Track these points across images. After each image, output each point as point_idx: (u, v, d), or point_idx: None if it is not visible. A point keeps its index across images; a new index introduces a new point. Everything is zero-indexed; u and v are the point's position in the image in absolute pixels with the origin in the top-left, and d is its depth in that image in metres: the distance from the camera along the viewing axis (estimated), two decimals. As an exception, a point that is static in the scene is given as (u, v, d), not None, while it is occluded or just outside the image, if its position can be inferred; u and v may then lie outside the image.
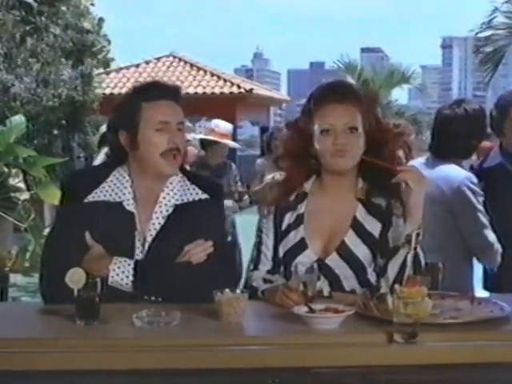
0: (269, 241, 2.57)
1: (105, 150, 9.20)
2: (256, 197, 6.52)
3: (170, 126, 2.47)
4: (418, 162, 3.55)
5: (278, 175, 2.62)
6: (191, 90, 16.87)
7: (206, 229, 2.48)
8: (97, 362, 1.99)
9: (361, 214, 2.50)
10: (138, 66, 18.26)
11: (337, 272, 2.47)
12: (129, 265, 2.42)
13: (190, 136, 9.95)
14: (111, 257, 2.43)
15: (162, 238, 2.48)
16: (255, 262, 2.60)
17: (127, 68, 17.90)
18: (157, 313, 2.13)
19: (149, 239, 2.48)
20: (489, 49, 15.90)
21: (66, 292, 2.17)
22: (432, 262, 2.91)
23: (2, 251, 5.75)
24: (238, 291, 2.23)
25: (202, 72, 17.83)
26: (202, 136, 6.82)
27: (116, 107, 2.57)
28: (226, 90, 17.01)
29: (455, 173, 3.37)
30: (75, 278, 2.18)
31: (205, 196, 2.54)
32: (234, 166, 6.95)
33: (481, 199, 3.35)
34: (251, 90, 17.28)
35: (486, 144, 3.95)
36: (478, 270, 3.59)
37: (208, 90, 16.98)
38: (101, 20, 10.73)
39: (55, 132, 9.77)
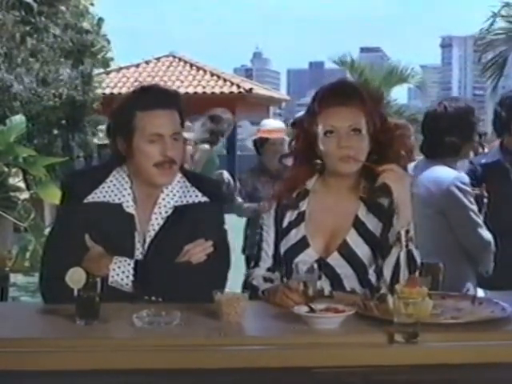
0: (269, 238, 2.57)
1: None
2: None
3: (164, 138, 2.43)
4: (413, 164, 3.55)
5: None
6: (191, 90, 16.87)
7: (205, 231, 2.48)
8: (97, 362, 1.99)
9: (363, 212, 2.50)
10: (138, 65, 18.26)
11: (338, 271, 2.47)
12: (129, 265, 2.42)
13: (187, 135, 9.89)
14: (111, 257, 2.43)
15: (161, 239, 2.48)
16: (256, 259, 2.59)
17: (127, 68, 17.89)
18: (157, 313, 2.13)
19: (148, 240, 2.48)
20: (490, 55, 15.88)
21: (66, 292, 2.17)
22: (432, 262, 2.91)
23: (2, 251, 5.75)
24: (237, 291, 2.23)
25: (201, 72, 17.83)
26: (254, 137, 6.23)
27: (113, 112, 2.55)
28: (226, 90, 17.01)
29: (444, 174, 3.37)
30: (75, 277, 2.18)
31: (205, 199, 2.53)
32: None
33: (472, 198, 3.34)
34: (251, 89, 17.28)
35: (496, 143, 3.95)
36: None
37: (208, 90, 16.98)
38: (100, 20, 10.74)
39: (55, 132, 9.75)
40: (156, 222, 2.49)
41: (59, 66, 9.58)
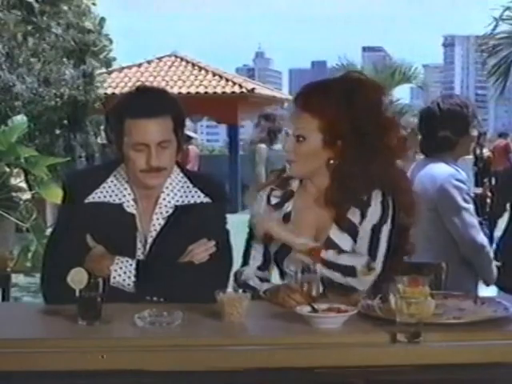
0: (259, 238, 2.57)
1: None
2: None
3: (149, 147, 2.41)
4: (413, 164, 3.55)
5: None
6: (193, 90, 16.85)
7: (207, 232, 2.48)
8: (99, 363, 1.98)
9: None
10: (139, 65, 18.23)
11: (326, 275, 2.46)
12: (131, 265, 2.42)
13: (190, 133, 9.86)
14: (113, 257, 2.42)
15: (162, 239, 2.47)
16: (245, 257, 2.61)
17: (129, 68, 17.87)
18: (159, 313, 2.13)
19: (149, 240, 2.48)
20: (494, 60, 15.84)
21: (68, 292, 2.17)
22: (435, 262, 2.90)
23: (3, 251, 5.74)
24: (240, 291, 2.23)
25: (203, 71, 17.81)
26: None
27: (107, 114, 2.57)
28: (228, 90, 16.99)
29: (439, 171, 3.36)
30: (77, 278, 2.18)
31: (207, 199, 2.52)
32: None
33: (468, 197, 3.32)
34: (253, 89, 17.25)
35: (500, 142, 3.94)
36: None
37: (210, 90, 16.96)
38: (102, 19, 10.75)
39: (57, 132, 9.77)
40: (157, 222, 2.49)
41: (61, 65, 9.59)
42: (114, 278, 2.40)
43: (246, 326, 2.16)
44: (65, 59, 9.67)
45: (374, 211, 2.47)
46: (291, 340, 2.07)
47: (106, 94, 11.52)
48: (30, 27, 9.04)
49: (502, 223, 4.03)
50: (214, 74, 17.64)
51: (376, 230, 2.47)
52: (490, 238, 3.62)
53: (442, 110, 3.41)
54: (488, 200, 3.39)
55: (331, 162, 2.48)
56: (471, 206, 3.31)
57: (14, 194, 5.90)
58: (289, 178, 2.59)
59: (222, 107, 16.54)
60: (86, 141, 10.12)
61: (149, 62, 18.48)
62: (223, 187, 2.70)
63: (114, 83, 16.70)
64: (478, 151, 11.87)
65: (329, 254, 2.42)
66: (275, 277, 2.63)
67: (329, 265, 2.41)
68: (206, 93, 16.79)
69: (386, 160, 2.49)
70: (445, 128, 3.38)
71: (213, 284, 2.27)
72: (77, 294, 2.16)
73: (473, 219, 3.30)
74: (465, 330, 2.07)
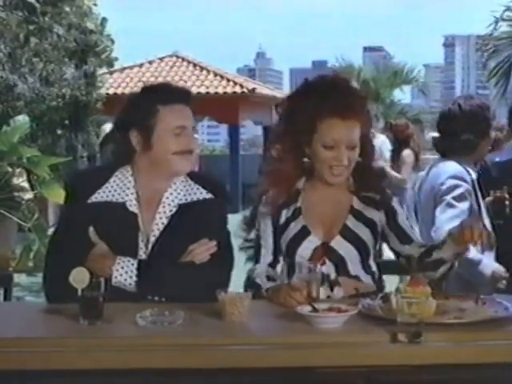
0: (268, 236, 2.61)
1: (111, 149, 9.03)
2: None
3: (187, 130, 2.50)
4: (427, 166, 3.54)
5: None
6: (194, 90, 16.82)
7: (209, 228, 2.49)
8: (100, 362, 1.99)
9: (357, 203, 2.58)
10: (141, 65, 18.23)
11: (342, 254, 2.52)
12: (132, 265, 2.42)
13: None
14: (115, 256, 2.43)
15: (165, 238, 2.48)
16: (256, 256, 2.63)
17: (131, 68, 17.87)
18: (160, 312, 2.14)
19: (152, 239, 2.48)
20: (494, 62, 15.79)
21: (70, 292, 2.17)
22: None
23: (5, 251, 5.76)
24: (241, 290, 2.23)
25: (205, 72, 17.81)
26: None
27: (127, 106, 2.56)
28: (229, 90, 16.98)
29: (446, 169, 3.35)
30: (79, 277, 2.18)
31: (209, 196, 2.54)
32: None
33: (463, 196, 3.25)
34: (254, 89, 17.25)
35: (499, 136, 3.93)
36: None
37: (211, 90, 16.96)
38: (104, 20, 10.75)
39: (59, 132, 9.77)
40: (160, 221, 2.50)
41: (63, 65, 9.59)
42: (116, 277, 2.41)
43: (247, 325, 2.17)
44: (66, 59, 9.67)
45: (398, 207, 2.62)
46: (292, 340, 2.07)
47: (107, 94, 11.52)
48: (31, 27, 9.04)
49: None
50: (215, 74, 17.65)
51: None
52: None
53: (464, 111, 3.39)
54: (507, 202, 3.31)
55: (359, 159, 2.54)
56: (461, 205, 3.25)
57: (16, 193, 5.91)
58: (298, 192, 2.61)
59: (223, 107, 16.54)
60: (87, 141, 10.12)
61: (150, 63, 18.49)
62: (224, 187, 2.72)
63: (116, 83, 16.72)
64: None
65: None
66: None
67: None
68: (207, 93, 16.79)
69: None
70: (467, 131, 3.37)
71: (214, 283, 2.27)
72: (79, 293, 2.16)
73: (454, 214, 3.21)
74: (466, 330, 2.08)
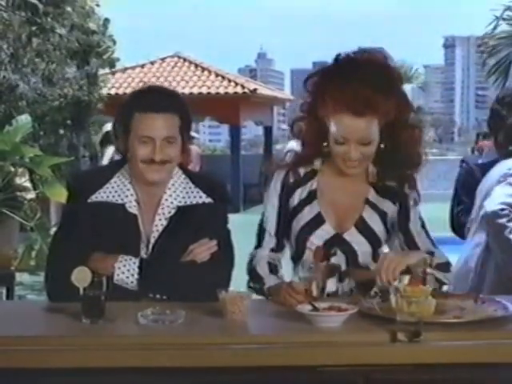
0: (272, 217, 2.56)
1: (111, 148, 9.18)
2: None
3: (154, 141, 2.44)
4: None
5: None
6: (195, 90, 16.86)
7: (209, 232, 2.49)
8: (102, 360, 2.00)
9: (373, 196, 2.53)
10: (143, 66, 18.25)
11: (354, 246, 2.50)
12: (134, 263, 2.43)
13: (192, 133, 9.85)
14: (116, 255, 2.44)
15: (164, 240, 2.49)
16: (259, 239, 2.59)
17: (132, 68, 17.88)
18: (162, 311, 2.14)
19: (152, 240, 2.49)
20: (494, 60, 15.76)
21: (72, 291, 2.18)
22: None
23: (8, 250, 5.77)
24: (242, 290, 2.24)
25: (206, 72, 17.82)
26: None
27: (117, 111, 2.58)
28: (230, 90, 16.99)
29: (505, 164, 3.20)
30: (81, 276, 2.19)
31: (208, 200, 2.54)
32: None
33: None
34: (255, 89, 17.26)
35: (484, 144, 3.89)
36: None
37: (212, 90, 16.97)
38: (106, 20, 10.78)
39: (61, 132, 9.79)
40: (159, 222, 2.51)
41: (65, 66, 9.61)
42: (118, 275, 2.42)
43: (248, 324, 2.17)
44: (69, 60, 9.69)
45: (414, 211, 2.53)
46: (292, 338, 2.08)
47: (109, 94, 11.56)
48: (34, 28, 9.06)
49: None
50: (217, 75, 17.66)
51: (423, 225, 2.53)
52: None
53: None
54: None
55: (381, 146, 2.44)
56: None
57: (18, 193, 5.93)
58: (314, 173, 2.55)
59: (225, 107, 16.55)
60: (89, 141, 10.15)
61: (152, 63, 18.50)
62: (224, 187, 2.72)
63: (118, 84, 16.73)
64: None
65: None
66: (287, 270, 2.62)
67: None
68: (208, 93, 16.81)
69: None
70: None
71: (214, 283, 2.28)
72: (80, 292, 2.17)
73: (510, 192, 3.05)
74: (465, 329, 2.08)
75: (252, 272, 2.53)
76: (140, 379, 2.02)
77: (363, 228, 2.50)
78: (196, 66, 18.24)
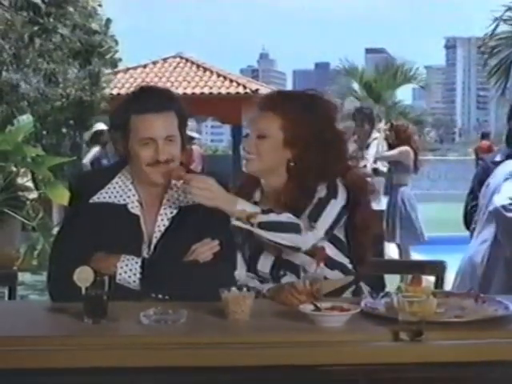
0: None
1: (95, 148, 9.19)
2: None
3: (156, 141, 2.45)
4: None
5: None
6: (197, 91, 16.85)
7: (211, 231, 2.49)
8: (104, 360, 2.00)
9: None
10: (145, 66, 18.24)
11: (296, 262, 2.53)
12: (136, 263, 2.43)
13: (192, 133, 9.86)
14: (119, 255, 2.44)
15: (167, 240, 2.49)
16: (233, 261, 2.60)
17: (134, 68, 17.87)
18: (164, 311, 2.15)
19: (154, 241, 2.49)
20: (494, 61, 15.75)
21: (74, 290, 2.18)
22: (437, 260, 2.91)
23: (10, 250, 5.79)
24: (244, 289, 2.24)
25: (208, 72, 17.81)
26: None
27: (111, 114, 2.60)
28: (232, 91, 16.98)
29: (503, 167, 3.29)
30: (83, 276, 2.19)
31: None
32: None
33: None
34: (257, 90, 17.23)
35: (483, 144, 3.92)
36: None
37: (214, 91, 16.96)
38: (108, 21, 10.78)
39: (63, 131, 9.81)
40: (162, 223, 2.51)
41: (67, 66, 9.61)
42: (120, 275, 2.41)
43: (251, 324, 2.17)
44: (71, 60, 9.69)
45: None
46: (295, 338, 2.08)
47: (111, 94, 11.55)
48: (36, 28, 9.07)
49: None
50: (219, 75, 17.65)
51: (323, 201, 2.49)
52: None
53: None
54: None
55: (291, 163, 2.53)
56: None
57: (20, 193, 5.94)
58: (251, 188, 2.64)
59: (226, 108, 16.53)
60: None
61: (154, 63, 18.49)
62: (226, 186, 2.71)
63: (120, 84, 16.72)
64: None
65: (270, 216, 2.43)
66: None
67: (270, 225, 2.41)
68: (210, 93, 16.79)
69: (344, 165, 2.57)
70: None
71: (217, 282, 2.28)
72: (83, 292, 2.17)
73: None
74: (466, 328, 2.09)
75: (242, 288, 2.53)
76: (142, 379, 2.02)
77: None
78: (198, 66, 18.23)
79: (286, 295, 2.35)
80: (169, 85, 15.92)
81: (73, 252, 2.41)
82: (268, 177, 2.60)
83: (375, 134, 7.03)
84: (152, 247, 2.49)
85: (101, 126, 9.16)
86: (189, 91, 16.12)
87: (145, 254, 2.49)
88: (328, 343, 2.05)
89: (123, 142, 2.50)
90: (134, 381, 2.03)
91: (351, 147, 5.73)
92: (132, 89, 2.76)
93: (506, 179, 3.17)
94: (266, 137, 2.53)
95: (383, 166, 7.00)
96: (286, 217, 2.42)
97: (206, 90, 16.92)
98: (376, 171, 6.77)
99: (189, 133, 2.84)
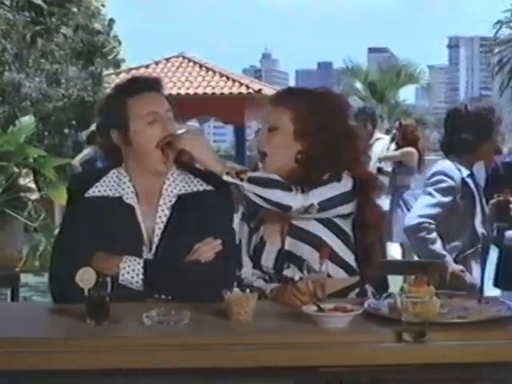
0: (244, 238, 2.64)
1: (88, 149, 9.15)
2: None
3: (160, 115, 2.47)
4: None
5: None
6: (200, 91, 16.87)
7: (213, 229, 2.48)
8: (107, 362, 2.00)
9: None
10: (147, 66, 18.27)
11: (298, 254, 2.52)
12: (138, 263, 2.43)
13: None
14: (121, 255, 2.44)
15: (170, 231, 2.47)
16: (238, 260, 2.62)
17: (137, 69, 17.88)
18: (167, 312, 2.15)
19: (157, 232, 2.48)
20: (496, 58, 15.80)
21: (77, 291, 2.18)
22: (439, 261, 2.92)
23: (12, 251, 5.79)
24: (247, 291, 2.24)
25: (211, 73, 17.84)
26: None
27: (101, 108, 2.60)
28: (235, 91, 17.00)
29: (438, 166, 3.44)
30: (85, 277, 2.19)
31: (210, 187, 2.53)
32: None
33: (444, 191, 3.31)
34: (260, 90, 17.26)
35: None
36: (490, 268, 3.57)
37: (217, 91, 16.97)
38: (111, 21, 10.80)
39: (65, 132, 9.82)
40: (163, 213, 2.49)
41: (69, 66, 9.62)
42: (123, 275, 2.41)
43: (253, 325, 2.17)
44: (73, 60, 9.71)
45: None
46: (298, 339, 2.08)
47: (113, 94, 11.53)
48: (38, 28, 9.08)
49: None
50: (221, 75, 17.67)
51: (323, 181, 2.48)
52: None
53: (469, 111, 3.43)
54: (511, 205, 3.31)
55: (299, 156, 2.53)
56: (440, 197, 3.32)
57: (22, 194, 5.94)
58: None
59: (229, 108, 16.54)
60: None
61: (156, 63, 18.52)
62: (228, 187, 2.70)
63: (122, 84, 16.71)
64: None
65: (260, 173, 2.46)
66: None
67: (261, 180, 2.41)
68: (213, 93, 16.81)
69: (353, 159, 2.55)
70: (467, 130, 3.41)
71: (219, 283, 2.28)
72: (85, 293, 2.17)
73: (430, 203, 3.32)
74: (469, 329, 2.08)
75: (249, 288, 2.52)
76: (145, 380, 2.02)
77: (296, 233, 2.52)
78: (200, 66, 18.26)
79: (288, 296, 2.35)
80: (171, 85, 15.96)
81: (73, 251, 2.41)
82: (282, 175, 2.53)
83: (378, 135, 7.03)
84: (156, 239, 2.48)
85: None
86: (191, 91, 16.14)
87: (146, 250, 2.47)
88: (331, 344, 2.05)
89: (122, 131, 2.48)
90: (136, 382, 2.03)
91: None
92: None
93: (423, 192, 3.41)
94: (277, 129, 2.55)
95: (387, 166, 6.99)
96: (276, 176, 2.44)
97: (209, 90, 16.93)
98: (380, 170, 6.76)
99: None
